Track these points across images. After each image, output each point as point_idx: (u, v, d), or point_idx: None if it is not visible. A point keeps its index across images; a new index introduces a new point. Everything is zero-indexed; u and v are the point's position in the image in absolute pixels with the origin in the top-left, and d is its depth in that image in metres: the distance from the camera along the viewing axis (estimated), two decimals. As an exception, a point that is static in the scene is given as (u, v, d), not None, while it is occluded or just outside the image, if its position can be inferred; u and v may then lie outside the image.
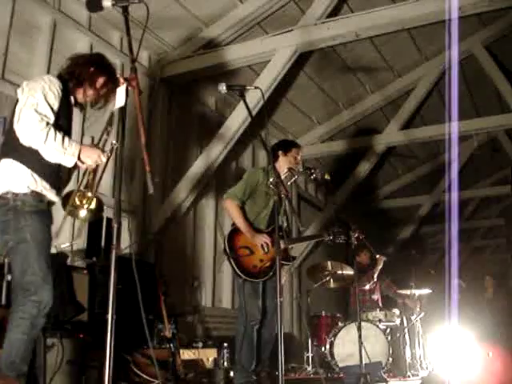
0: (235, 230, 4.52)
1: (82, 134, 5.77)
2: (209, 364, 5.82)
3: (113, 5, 2.70)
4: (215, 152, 7.14)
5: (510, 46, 9.11)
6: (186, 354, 5.49)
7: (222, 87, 3.65)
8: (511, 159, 11.17)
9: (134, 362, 4.45)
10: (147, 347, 4.55)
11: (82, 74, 3.14)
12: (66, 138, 2.93)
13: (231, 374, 5.08)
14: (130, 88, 2.73)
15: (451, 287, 8.14)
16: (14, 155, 2.93)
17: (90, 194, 3.07)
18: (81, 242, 5.87)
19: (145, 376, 4.37)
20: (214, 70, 7.27)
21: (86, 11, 6.13)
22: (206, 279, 7.93)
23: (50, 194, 3.03)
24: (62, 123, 3.04)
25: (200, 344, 5.90)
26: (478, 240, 17.32)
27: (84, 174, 3.11)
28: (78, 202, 3.05)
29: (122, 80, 2.87)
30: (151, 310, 5.15)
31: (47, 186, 3.00)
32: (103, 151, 3.01)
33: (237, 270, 4.38)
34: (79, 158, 2.94)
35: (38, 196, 2.96)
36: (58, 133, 2.89)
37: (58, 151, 2.89)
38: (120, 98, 2.77)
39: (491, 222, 16.35)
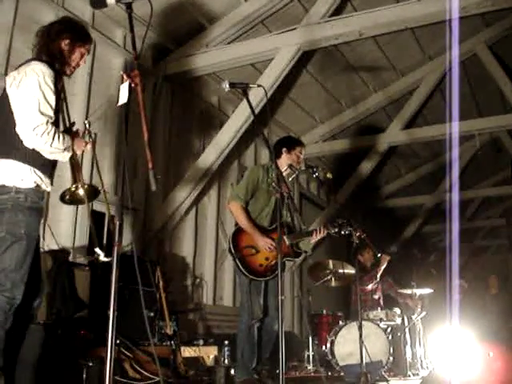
0: (239, 230, 4.51)
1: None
2: (209, 361, 5.82)
3: (116, 2, 2.68)
4: (217, 150, 7.14)
5: (513, 46, 9.11)
6: (187, 352, 5.49)
7: (225, 85, 3.64)
8: (513, 159, 11.18)
9: (135, 358, 4.45)
10: (148, 344, 4.56)
11: (62, 51, 3.09)
12: (65, 136, 2.95)
13: (232, 371, 5.08)
14: (132, 85, 2.73)
15: (452, 287, 8.14)
16: (16, 156, 2.89)
17: (79, 180, 3.09)
18: (82, 239, 5.89)
19: (145, 373, 4.37)
20: (217, 68, 7.27)
21: (90, 8, 6.17)
22: (208, 277, 7.94)
23: (45, 185, 3.01)
24: (56, 111, 3.01)
25: (201, 341, 5.90)
26: (479, 240, 17.30)
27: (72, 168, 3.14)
28: (73, 189, 3.07)
29: (125, 77, 2.87)
30: (152, 307, 5.16)
31: (47, 180, 3.01)
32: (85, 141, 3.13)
33: (243, 269, 4.36)
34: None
35: (40, 192, 2.96)
36: (59, 133, 2.91)
37: (60, 150, 2.93)
38: (123, 95, 2.77)
39: (493, 223, 16.34)
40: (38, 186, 2.94)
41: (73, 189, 3.07)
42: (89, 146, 3.14)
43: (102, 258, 3.20)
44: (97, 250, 3.13)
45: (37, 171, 2.93)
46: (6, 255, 2.83)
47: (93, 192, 3.16)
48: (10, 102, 2.91)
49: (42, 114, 2.85)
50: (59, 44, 3.09)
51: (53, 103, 2.94)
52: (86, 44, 3.18)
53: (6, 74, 5.35)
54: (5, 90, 2.98)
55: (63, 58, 3.10)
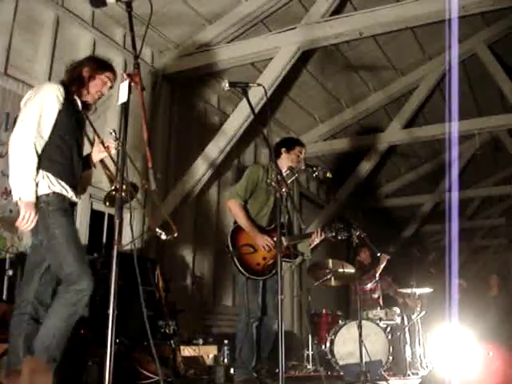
0: (238, 228, 4.51)
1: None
2: (209, 361, 5.82)
3: (116, 1, 2.69)
4: (217, 149, 7.13)
5: (513, 46, 9.11)
6: (187, 351, 5.49)
7: (225, 84, 3.64)
8: (513, 159, 11.19)
9: (135, 358, 4.45)
10: (148, 343, 4.55)
11: (83, 77, 3.24)
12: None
13: (231, 370, 5.08)
14: (132, 84, 2.73)
15: (452, 286, 8.14)
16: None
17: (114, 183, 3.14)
18: (82, 238, 5.88)
19: (145, 372, 4.37)
20: (217, 67, 7.27)
21: (90, 7, 6.15)
22: (207, 276, 7.93)
23: (70, 194, 3.11)
24: (67, 124, 3.11)
25: (200, 341, 5.90)
26: (479, 240, 17.31)
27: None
28: (113, 193, 3.11)
29: (125, 76, 2.87)
30: (152, 306, 5.15)
31: (66, 186, 3.07)
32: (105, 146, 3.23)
33: (240, 267, 4.37)
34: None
35: (59, 196, 3.04)
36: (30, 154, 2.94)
37: (18, 163, 2.95)
38: (122, 94, 2.77)
39: (493, 222, 16.35)
40: (59, 194, 3.03)
41: (112, 193, 3.11)
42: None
43: (163, 236, 3.48)
44: (157, 229, 3.41)
45: (58, 180, 3.04)
46: (54, 257, 2.98)
47: (133, 189, 3.20)
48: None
49: (34, 134, 2.96)
50: (80, 71, 3.26)
51: (51, 121, 3.04)
52: (105, 71, 3.30)
53: (6, 73, 5.35)
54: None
55: (82, 83, 3.24)
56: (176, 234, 3.65)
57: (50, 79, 5.81)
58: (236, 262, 4.38)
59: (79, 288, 2.91)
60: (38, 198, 2.96)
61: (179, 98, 7.80)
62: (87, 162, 3.30)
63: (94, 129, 3.32)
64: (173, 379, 4.53)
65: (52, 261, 3.02)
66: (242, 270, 4.37)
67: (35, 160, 2.94)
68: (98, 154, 3.30)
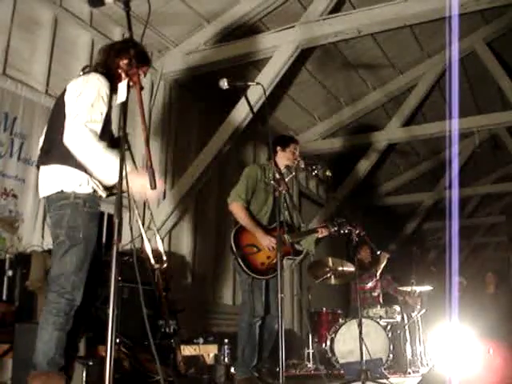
0: (240, 229, 4.51)
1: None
2: (209, 360, 5.82)
3: (114, 0, 2.68)
4: (216, 148, 7.13)
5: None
6: (187, 350, 5.49)
7: (224, 83, 3.64)
8: (513, 156, 11.19)
9: (135, 357, 4.45)
10: (148, 343, 4.54)
11: (120, 69, 3.13)
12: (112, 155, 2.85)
13: (232, 370, 5.08)
14: (131, 83, 2.73)
15: (452, 284, 8.14)
16: (73, 163, 2.90)
17: None
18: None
19: (145, 372, 4.37)
20: (216, 66, 7.26)
21: (88, 7, 6.14)
22: (207, 275, 7.93)
23: (104, 194, 3.07)
24: (106, 118, 3.02)
25: (201, 340, 5.90)
26: (479, 237, 17.32)
27: None
28: None
29: (123, 75, 2.87)
30: (152, 305, 5.15)
31: (102, 187, 3.03)
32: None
33: (245, 268, 4.37)
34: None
35: (97, 198, 3.03)
36: (101, 145, 2.85)
37: (95, 159, 2.85)
38: (121, 93, 2.77)
39: (492, 220, 16.37)
40: (95, 191, 3.00)
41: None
42: None
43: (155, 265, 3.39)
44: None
45: (93, 178, 2.96)
46: (66, 259, 2.92)
47: None
48: (66, 111, 2.94)
49: (90, 129, 2.84)
50: (118, 63, 3.13)
51: (103, 114, 2.94)
52: (144, 66, 3.19)
53: (4, 73, 5.35)
54: (60, 98, 3.05)
55: (119, 76, 3.12)
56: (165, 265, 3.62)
57: (48, 79, 5.81)
58: (240, 262, 4.39)
59: (71, 298, 2.88)
60: (76, 195, 2.92)
61: (177, 96, 7.79)
62: None
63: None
64: (173, 378, 4.53)
65: (58, 259, 2.95)
66: (248, 271, 4.37)
67: (100, 145, 2.82)
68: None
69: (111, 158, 2.78)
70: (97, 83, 2.95)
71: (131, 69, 3.06)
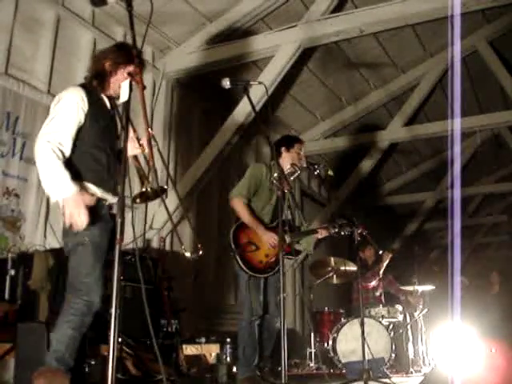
0: (240, 226, 4.51)
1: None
2: (211, 359, 5.82)
3: (116, -1, 2.69)
4: (218, 147, 7.13)
5: (514, 43, 9.09)
6: (189, 350, 5.50)
7: (226, 82, 3.64)
8: (515, 156, 11.18)
9: (137, 356, 4.45)
10: (150, 342, 4.55)
11: (105, 71, 3.17)
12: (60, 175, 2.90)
13: (234, 369, 5.08)
14: (133, 83, 2.73)
15: (454, 284, 8.13)
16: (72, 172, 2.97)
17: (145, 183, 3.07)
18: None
19: (148, 371, 4.37)
20: (218, 65, 7.26)
21: (90, 6, 6.18)
22: (209, 274, 7.93)
23: (110, 198, 3.13)
24: (97, 128, 3.08)
25: (203, 339, 5.90)
26: (481, 237, 17.29)
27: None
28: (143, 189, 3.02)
29: (125, 75, 2.87)
30: (154, 305, 5.15)
31: (108, 194, 3.10)
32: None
33: (242, 265, 4.36)
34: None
35: (100, 203, 3.07)
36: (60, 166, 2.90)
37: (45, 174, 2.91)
38: (124, 92, 2.77)
39: (494, 219, 16.33)
40: (97, 199, 3.05)
41: (144, 189, 3.04)
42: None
43: (188, 254, 3.44)
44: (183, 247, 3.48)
45: (94, 186, 3.04)
46: (76, 263, 2.99)
47: (160, 191, 3.16)
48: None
49: (53, 143, 2.91)
50: (103, 65, 3.17)
51: (73, 128, 3.00)
52: (128, 65, 3.11)
53: (6, 72, 5.35)
54: None
55: (104, 77, 3.16)
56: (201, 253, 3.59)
57: (50, 79, 5.82)
58: (238, 260, 4.38)
59: (88, 300, 2.92)
60: None
61: (180, 96, 7.79)
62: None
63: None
64: (175, 378, 4.53)
65: (72, 265, 3.01)
66: (245, 269, 4.36)
67: (56, 159, 2.88)
68: (131, 150, 3.12)
69: (59, 180, 2.85)
70: (68, 101, 3.02)
71: (116, 69, 3.14)
